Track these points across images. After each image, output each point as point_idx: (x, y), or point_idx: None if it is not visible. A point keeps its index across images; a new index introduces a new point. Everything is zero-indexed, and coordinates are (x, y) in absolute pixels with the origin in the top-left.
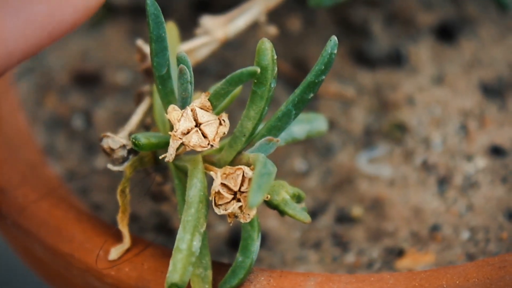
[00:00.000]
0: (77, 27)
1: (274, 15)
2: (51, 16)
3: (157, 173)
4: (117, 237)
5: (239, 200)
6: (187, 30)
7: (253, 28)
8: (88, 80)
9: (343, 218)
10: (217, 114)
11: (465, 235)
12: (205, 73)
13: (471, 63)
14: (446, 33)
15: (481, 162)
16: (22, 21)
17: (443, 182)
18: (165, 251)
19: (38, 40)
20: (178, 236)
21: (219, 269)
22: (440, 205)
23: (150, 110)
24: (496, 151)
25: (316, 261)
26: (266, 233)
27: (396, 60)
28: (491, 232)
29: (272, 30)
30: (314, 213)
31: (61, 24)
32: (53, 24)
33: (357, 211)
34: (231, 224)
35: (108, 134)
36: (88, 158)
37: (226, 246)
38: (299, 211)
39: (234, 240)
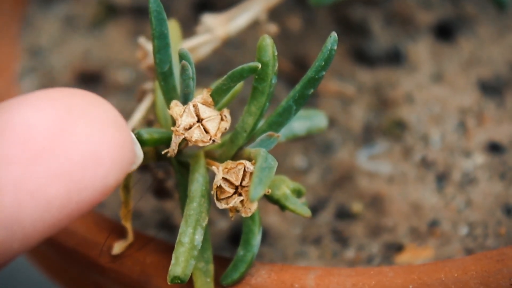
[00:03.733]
0: (96, 205)
1: (274, 14)
2: (69, 198)
3: (160, 169)
4: (120, 233)
5: (240, 194)
6: (189, 29)
7: (254, 27)
8: (90, 79)
9: (343, 214)
10: (219, 110)
11: (463, 230)
12: (207, 71)
13: (470, 61)
14: (444, 32)
15: (480, 158)
16: (40, 204)
17: (442, 179)
18: (168, 246)
19: (56, 221)
20: (180, 230)
21: (221, 263)
22: (439, 201)
23: (152, 107)
24: (494, 148)
25: (317, 257)
26: (267, 229)
27: (395, 58)
28: (489, 227)
29: (273, 28)
30: (314, 209)
31: (80, 204)
32: (71, 205)
33: (357, 207)
34: (232, 219)
35: None
36: None
37: (228, 241)
38: (299, 206)
39: (236, 236)
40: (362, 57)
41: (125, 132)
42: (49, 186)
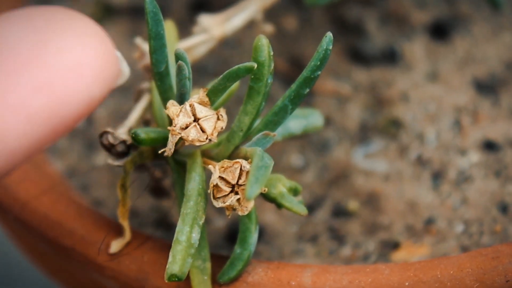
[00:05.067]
0: (82, 120)
1: (270, 14)
2: (53, 110)
3: (157, 168)
4: (118, 231)
5: (237, 193)
6: (186, 29)
7: (250, 27)
8: None
9: (340, 212)
10: (215, 109)
11: (459, 228)
12: (204, 71)
13: (465, 60)
14: (439, 31)
15: (475, 156)
16: (23, 118)
17: (438, 177)
18: (165, 244)
19: (41, 136)
20: (177, 228)
21: (218, 261)
22: (434, 199)
23: (149, 107)
24: (489, 146)
25: (313, 254)
26: (264, 227)
27: (390, 57)
28: (485, 225)
29: (269, 28)
30: (311, 208)
31: (64, 118)
32: (56, 119)
33: (353, 205)
34: (229, 217)
35: (108, 130)
36: (89, 155)
37: (225, 240)
38: (295, 204)
39: (233, 234)
40: (358, 57)
41: (108, 46)
42: (32, 99)
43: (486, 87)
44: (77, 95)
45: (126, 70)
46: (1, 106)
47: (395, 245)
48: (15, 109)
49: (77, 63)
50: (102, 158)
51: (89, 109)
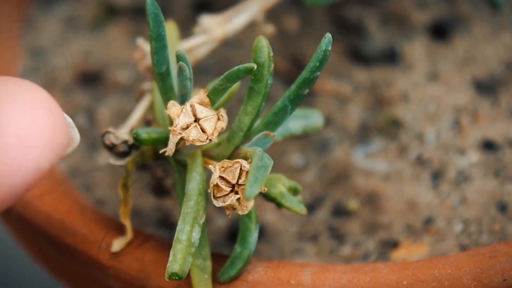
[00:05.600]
0: (31, 188)
1: (271, 14)
2: (0, 181)
3: (158, 167)
4: (119, 230)
5: (237, 193)
6: (187, 30)
7: (251, 27)
8: (91, 79)
9: (340, 212)
10: (216, 109)
11: (458, 227)
12: (205, 71)
13: (465, 60)
14: (440, 31)
15: (474, 156)
16: None
17: (437, 176)
18: (166, 244)
19: None
20: (178, 228)
21: (218, 260)
22: (434, 199)
23: (150, 107)
24: (488, 146)
25: (314, 254)
26: (265, 226)
27: (391, 57)
28: (483, 224)
29: (270, 29)
30: (311, 207)
31: (13, 188)
32: (3, 188)
33: (353, 204)
34: (229, 216)
35: (110, 129)
36: (91, 155)
37: (226, 239)
38: (295, 203)
39: (234, 233)
40: (358, 57)
41: (57, 116)
42: None
43: (486, 87)
44: (24, 166)
45: (76, 137)
46: None
47: (394, 244)
48: None
49: (25, 135)
50: (105, 158)
51: (37, 178)
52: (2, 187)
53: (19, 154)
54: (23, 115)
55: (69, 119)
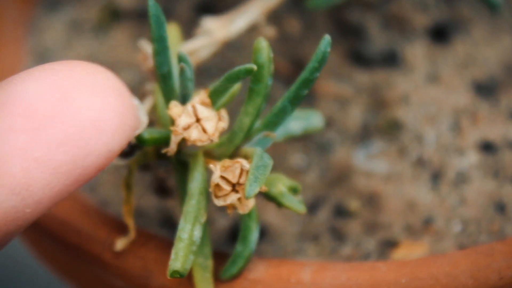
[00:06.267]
0: (103, 169)
1: (273, 17)
2: (75, 163)
3: (160, 168)
4: (123, 230)
5: (237, 192)
6: (190, 32)
7: (253, 30)
8: None
9: (341, 212)
10: (217, 110)
11: (457, 227)
12: (207, 73)
13: (465, 63)
14: (440, 34)
15: (473, 157)
16: (48, 171)
17: (437, 177)
18: (169, 243)
19: (64, 186)
20: (179, 226)
21: (220, 258)
22: (433, 199)
23: (153, 108)
24: (487, 147)
25: (315, 253)
26: (267, 226)
27: (392, 60)
28: (482, 224)
29: (271, 31)
30: (312, 208)
31: (86, 169)
32: (78, 170)
33: (354, 205)
34: (230, 215)
35: None
36: None
37: (227, 238)
38: (295, 203)
39: (235, 233)
40: (359, 59)
41: (127, 99)
42: (55, 153)
43: (485, 89)
44: (97, 149)
45: (144, 119)
46: (27, 160)
47: (394, 244)
48: (41, 163)
49: (97, 119)
50: None
51: (109, 160)
52: (77, 169)
53: (92, 137)
54: (94, 99)
55: (137, 102)
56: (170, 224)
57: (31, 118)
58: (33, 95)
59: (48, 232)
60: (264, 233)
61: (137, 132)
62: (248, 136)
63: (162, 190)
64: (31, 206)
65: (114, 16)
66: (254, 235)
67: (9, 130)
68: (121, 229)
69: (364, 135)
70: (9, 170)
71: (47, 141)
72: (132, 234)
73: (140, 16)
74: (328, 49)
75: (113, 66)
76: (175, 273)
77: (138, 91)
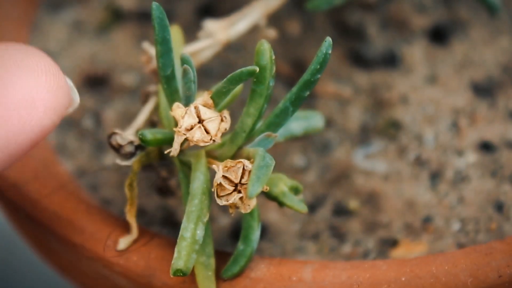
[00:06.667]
0: (37, 144)
1: (274, 19)
2: (8, 140)
3: (163, 168)
4: (125, 229)
5: (239, 192)
6: (192, 34)
7: (254, 31)
8: (97, 82)
9: (340, 211)
10: (219, 111)
11: (456, 226)
12: (209, 74)
13: (463, 64)
14: (438, 35)
15: (472, 157)
16: None
17: (435, 176)
18: (171, 242)
19: (1, 162)
20: (182, 226)
21: (222, 257)
22: (432, 198)
23: (156, 109)
24: (485, 147)
25: (315, 252)
26: (267, 225)
27: (391, 61)
28: (480, 223)
29: (272, 33)
30: (312, 207)
31: (19, 146)
32: (11, 146)
33: (353, 204)
34: (232, 215)
35: (117, 131)
36: (98, 156)
37: (229, 238)
38: (296, 202)
39: (237, 232)
40: (359, 60)
41: (59, 78)
42: None
43: (483, 90)
44: (30, 126)
45: (76, 98)
46: None
47: (394, 243)
48: None
49: (30, 97)
50: (111, 159)
51: (42, 136)
52: (11, 145)
53: (25, 114)
54: (27, 78)
55: (70, 82)
56: (172, 223)
57: None
58: None
59: (51, 231)
60: (264, 232)
61: (69, 110)
62: (250, 136)
63: (164, 190)
64: None
65: (116, 17)
66: (255, 234)
67: None
68: (124, 228)
69: (363, 135)
70: None
71: None
72: (135, 233)
73: (141, 17)
74: (330, 51)
75: (115, 67)
76: (178, 271)
77: (140, 93)
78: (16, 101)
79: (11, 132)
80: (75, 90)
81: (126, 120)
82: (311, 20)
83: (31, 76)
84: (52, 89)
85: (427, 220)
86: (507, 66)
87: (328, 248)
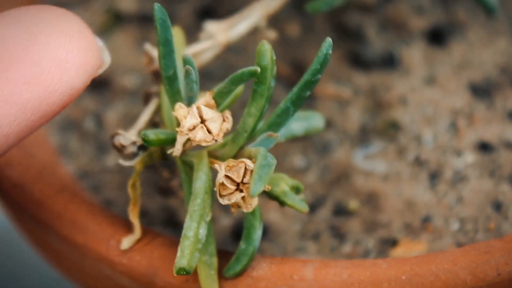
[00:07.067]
0: (67, 105)
1: (273, 21)
2: (40, 101)
3: (166, 168)
4: (128, 229)
5: (241, 191)
6: (193, 36)
7: (254, 33)
8: (99, 84)
9: (341, 211)
10: (221, 111)
11: (455, 225)
12: (210, 75)
13: (461, 65)
14: (437, 37)
15: (470, 157)
16: (15, 107)
17: (434, 177)
18: (173, 241)
19: (31, 123)
20: (185, 225)
21: (224, 256)
22: (431, 198)
23: (158, 110)
24: (484, 147)
25: (315, 252)
26: (269, 226)
27: (389, 62)
28: (479, 222)
29: (272, 34)
30: (313, 207)
31: (51, 106)
32: (43, 107)
33: (353, 204)
34: (234, 214)
35: (119, 131)
36: (100, 158)
37: (231, 238)
38: (297, 202)
39: (239, 232)
40: (358, 62)
41: (90, 39)
42: (22, 91)
43: (482, 91)
44: (61, 87)
45: (107, 59)
46: None
47: (393, 242)
48: (8, 100)
49: (62, 58)
50: (113, 160)
51: (72, 97)
52: (43, 106)
53: (56, 76)
54: (59, 40)
55: (101, 43)
56: (174, 223)
57: None
58: (2, 37)
59: (54, 232)
60: (265, 231)
61: (100, 71)
62: (251, 136)
63: (166, 190)
64: None
65: (116, 20)
66: (257, 233)
67: None
68: (127, 228)
69: (363, 136)
70: None
71: (14, 80)
72: (138, 232)
73: (142, 20)
74: (330, 52)
75: (116, 69)
76: (181, 270)
77: (141, 94)
78: (49, 61)
79: (44, 91)
80: (107, 51)
81: (128, 121)
82: (311, 22)
83: (63, 37)
84: (83, 50)
85: (426, 220)
86: (505, 67)
87: (328, 248)
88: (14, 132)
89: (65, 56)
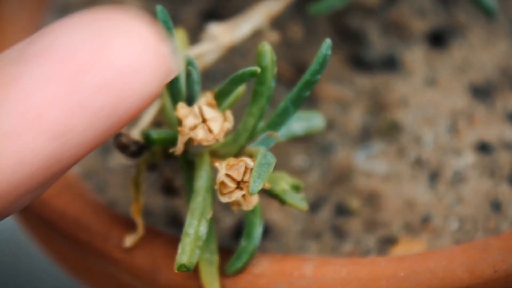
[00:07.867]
0: (136, 115)
1: (276, 23)
2: (115, 106)
3: (168, 167)
4: (131, 227)
5: (242, 189)
6: (196, 37)
7: (257, 35)
8: None
9: (342, 211)
10: (222, 111)
11: (454, 225)
12: (213, 77)
13: (462, 67)
14: (438, 39)
15: (470, 157)
16: (87, 115)
17: (434, 177)
18: (175, 240)
19: (103, 131)
20: (186, 222)
21: (225, 254)
22: (431, 198)
23: (160, 110)
24: (484, 148)
25: (317, 251)
26: (270, 225)
27: (391, 64)
28: (479, 222)
29: (274, 36)
30: (314, 207)
31: (123, 114)
32: (118, 113)
33: (354, 204)
34: (235, 213)
35: (122, 131)
36: (103, 158)
37: (232, 236)
38: (297, 200)
39: (239, 231)
40: (360, 63)
41: (162, 45)
42: (95, 97)
43: (482, 92)
44: (135, 92)
45: (178, 64)
46: (67, 105)
47: (393, 241)
48: (81, 107)
49: (133, 65)
50: (116, 161)
51: (145, 105)
52: (115, 114)
53: (130, 81)
54: (131, 45)
55: (174, 48)
56: (176, 222)
57: (70, 65)
58: (71, 43)
59: (58, 230)
60: (267, 231)
61: (170, 77)
62: (252, 136)
63: (168, 189)
64: (71, 150)
65: None
66: (258, 230)
67: (48, 77)
68: (130, 226)
69: (364, 137)
70: (49, 116)
71: (87, 86)
72: (140, 231)
73: None
74: (329, 52)
75: None
76: (182, 266)
77: None
78: (121, 68)
79: (116, 99)
80: (177, 56)
81: (130, 122)
82: (313, 24)
83: (134, 42)
84: (155, 55)
85: (426, 219)
86: (505, 68)
87: (329, 247)
88: (87, 140)
89: (137, 61)
